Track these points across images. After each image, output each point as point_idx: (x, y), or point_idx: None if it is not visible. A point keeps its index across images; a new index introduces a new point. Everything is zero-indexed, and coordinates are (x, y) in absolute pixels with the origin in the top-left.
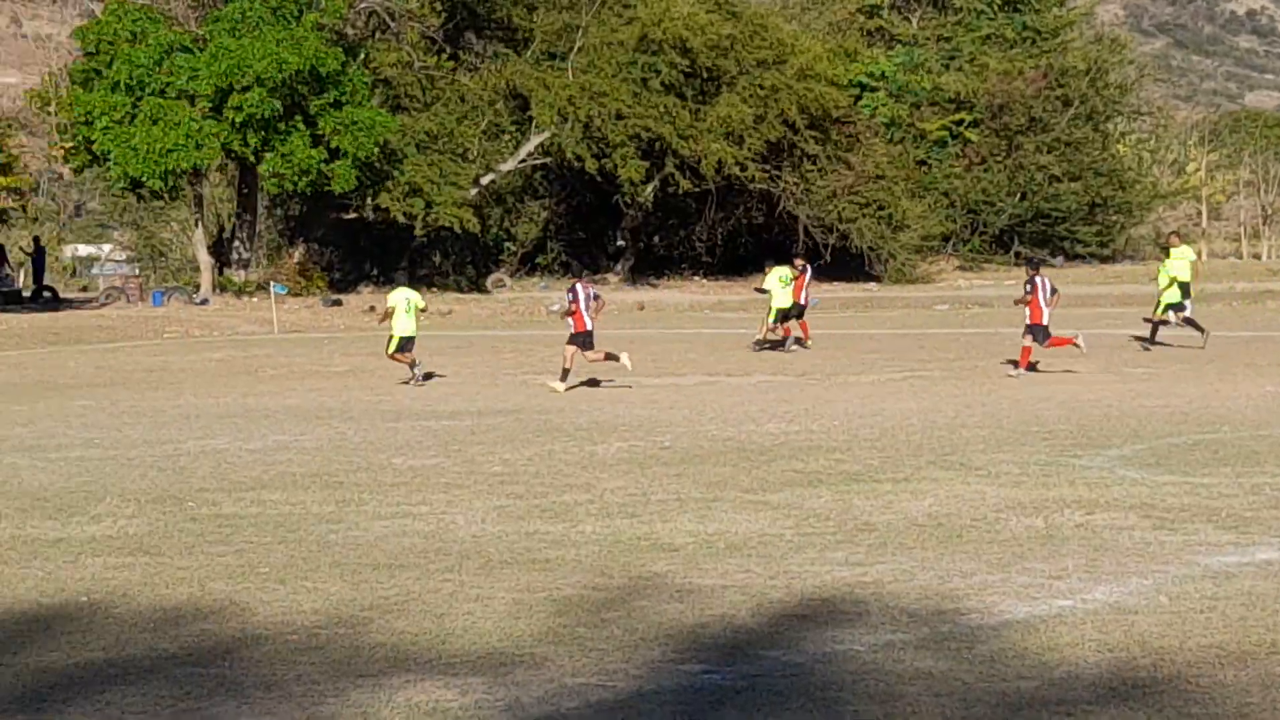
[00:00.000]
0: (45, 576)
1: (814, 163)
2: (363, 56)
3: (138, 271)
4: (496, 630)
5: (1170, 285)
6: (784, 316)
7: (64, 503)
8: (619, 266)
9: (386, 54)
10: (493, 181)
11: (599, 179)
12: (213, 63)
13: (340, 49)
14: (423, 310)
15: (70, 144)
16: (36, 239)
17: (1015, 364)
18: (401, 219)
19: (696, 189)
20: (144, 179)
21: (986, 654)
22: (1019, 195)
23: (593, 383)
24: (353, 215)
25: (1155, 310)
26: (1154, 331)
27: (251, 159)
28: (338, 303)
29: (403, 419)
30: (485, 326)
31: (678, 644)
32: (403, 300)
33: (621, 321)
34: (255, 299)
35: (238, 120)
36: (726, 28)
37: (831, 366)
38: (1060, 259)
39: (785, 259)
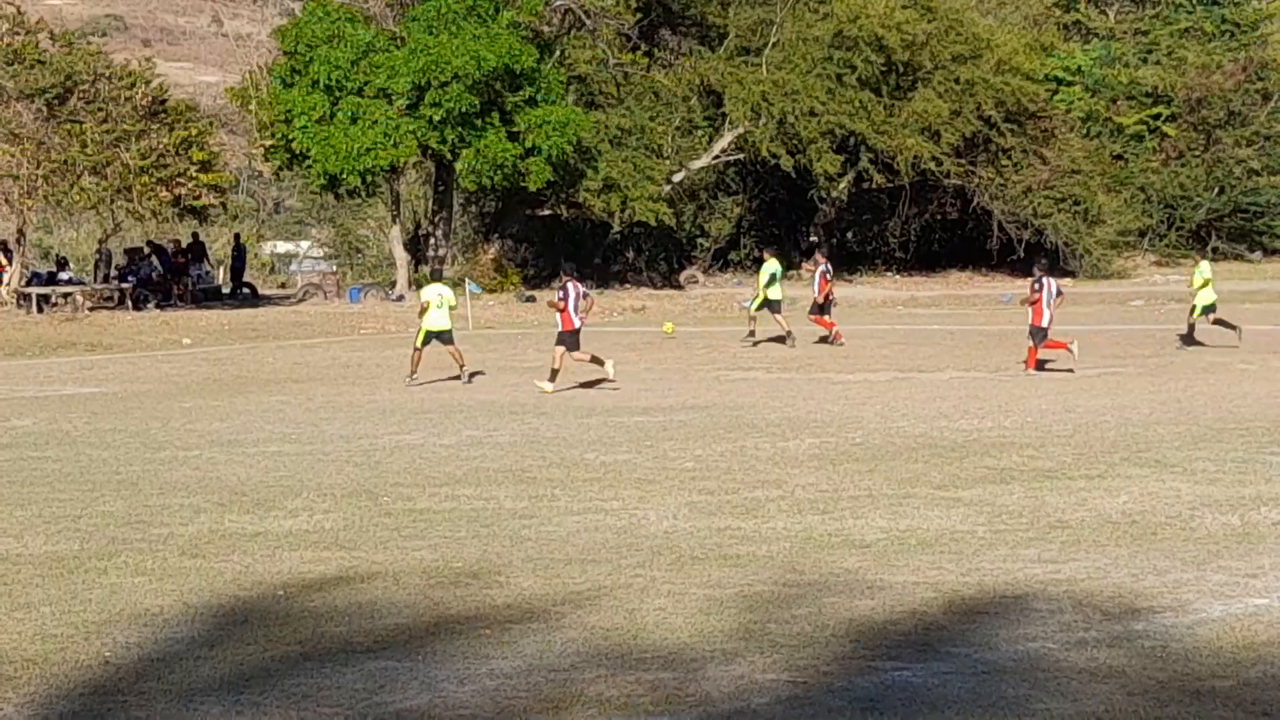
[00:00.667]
0: (243, 570)
1: (1009, 157)
2: (557, 54)
3: (335, 268)
4: (687, 626)
5: None
6: (767, 306)
7: (261, 497)
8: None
9: (581, 51)
10: (685, 178)
11: (792, 175)
12: (411, 59)
13: (534, 46)
14: (453, 308)
15: (270, 142)
16: (236, 236)
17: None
18: (598, 213)
19: (890, 184)
20: (342, 177)
21: (1180, 652)
22: (1217, 190)
23: (587, 385)
24: (547, 212)
25: None
26: None
27: (448, 156)
28: (531, 299)
29: (595, 414)
30: (677, 322)
31: (868, 641)
32: (435, 296)
33: None
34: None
35: (435, 117)
36: (922, 24)
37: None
38: (1259, 254)
39: (980, 256)
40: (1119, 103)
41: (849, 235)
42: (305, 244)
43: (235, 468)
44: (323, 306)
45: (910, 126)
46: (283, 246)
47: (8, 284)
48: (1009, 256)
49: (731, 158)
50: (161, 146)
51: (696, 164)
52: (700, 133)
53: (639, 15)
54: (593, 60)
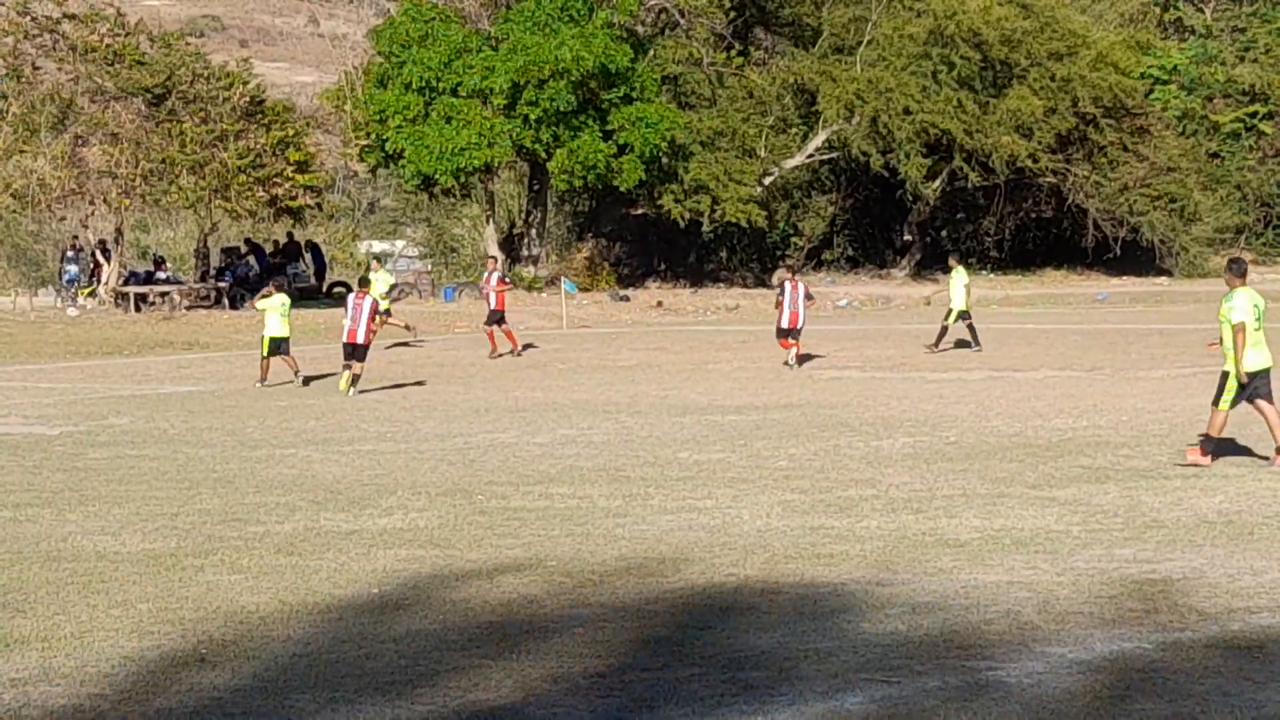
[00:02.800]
0: (338, 568)
1: (1105, 155)
2: (650, 54)
3: (430, 267)
4: (780, 625)
5: None
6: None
7: (356, 495)
8: (905, 261)
9: (675, 51)
10: (779, 177)
11: (885, 173)
12: (510, 59)
13: (629, 46)
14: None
15: (364, 142)
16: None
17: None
18: (682, 221)
19: (985, 183)
20: (436, 177)
21: (1277, 654)
22: None
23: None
24: (640, 211)
25: None
26: None
27: (542, 156)
28: (625, 298)
29: (688, 413)
30: (770, 321)
31: (962, 640)
32: (278, 304)
33: (907, 316)
34: (545, 294)
35: (532, 116)
36: (1020, 21)
37: (1120, 362)
38: None
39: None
40: (1215, 100)
41: (943, 234)
42: (400, 243)
43: (330, 466)
44: (418, 305)
45: (1005, 124)
46: (378, 246)
47: (105, 283)
48: (1104, 255)
49: (825, 157)
50: (259, 146)
51: (789, 163)
52: (794, 131)
53: (732, 14)
54: (686, 60)
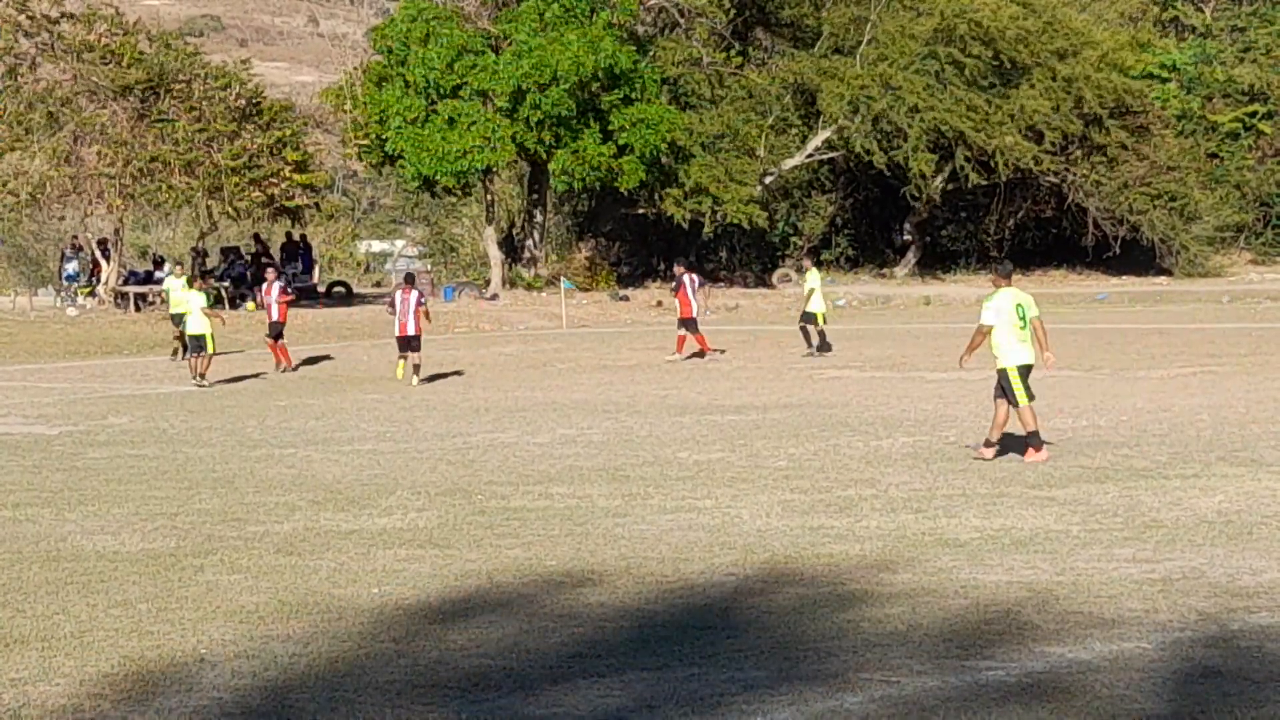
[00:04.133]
0: (337, 568)
1: (1105, 154)
2: (650, 54)
3: (429, 267)
4: (781, 624)
5: None
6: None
7: (355, 495)
8: (905, 260)
9: (674, 52)
10: (778, 177)
11: (886, 172)
12: (514, 62)
13: (633, 48)
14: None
15: (364, 142)
16: (303, 237)
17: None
18: (683, 222)
19: (985, 182)
20: (436, 178)
21: (1276, 653)
22: None
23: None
24: (640, 211)
25: None
26: None
27: (543, 156)
28: (625, 298)
29: (688, 413)
30: (771, 321)
31: (962, 640)
32: (197, 302)
33: (907, 316)
34: (545, 294)
35: (534, 119)
36: (1026, 21)
37: (1119, 361)
38: None
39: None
40: (1214, 100)
41: (943, 233)
42: (400, 243)
43: (330, 466)
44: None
45: (1008, 124)
46: (377, 245)
47: (105, 283)
48: (1104, 254)
49: (824, 156)
50: (255, 147)
51: (789, 163)
52: (794, 131)
53: (732, 14)
54: (685, 60)
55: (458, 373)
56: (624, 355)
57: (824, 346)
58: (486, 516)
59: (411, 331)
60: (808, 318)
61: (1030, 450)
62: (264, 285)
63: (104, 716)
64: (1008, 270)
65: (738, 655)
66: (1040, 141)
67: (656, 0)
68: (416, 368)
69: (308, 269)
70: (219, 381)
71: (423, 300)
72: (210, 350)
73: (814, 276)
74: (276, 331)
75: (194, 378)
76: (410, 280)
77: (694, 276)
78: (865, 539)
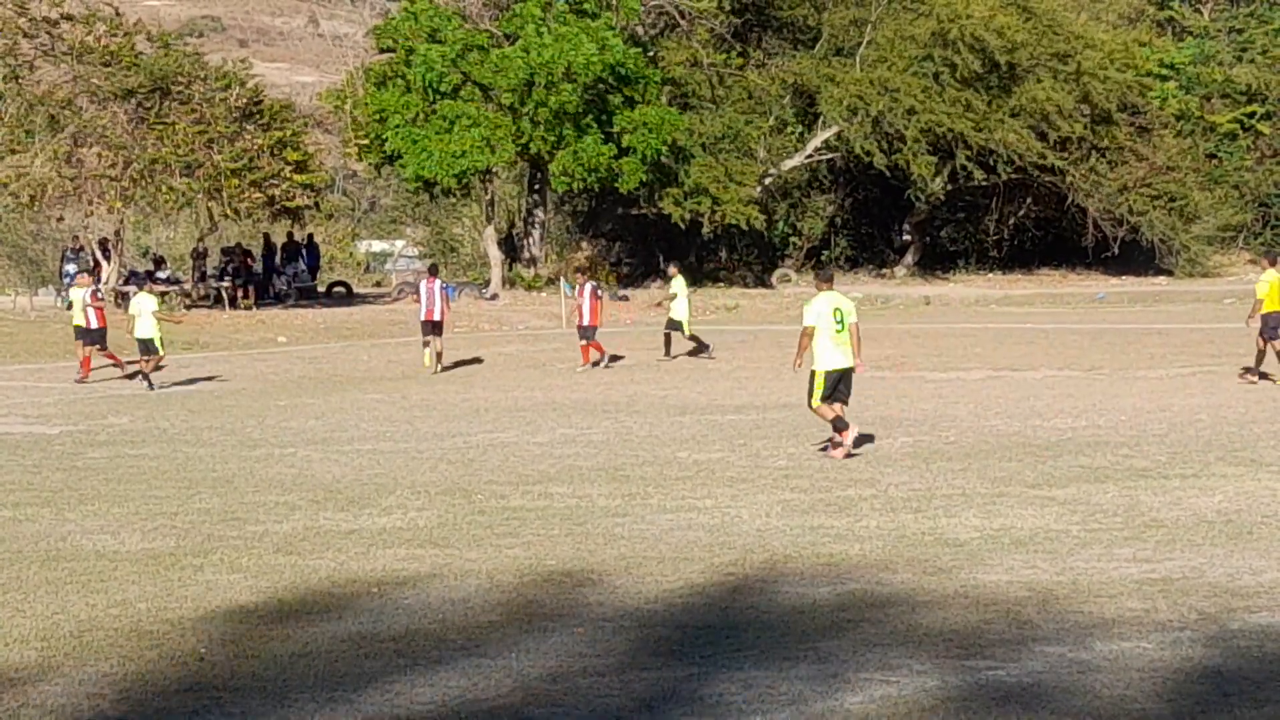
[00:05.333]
0: (337, 568)
1: (1104, 155)
2: (651, 55)
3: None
4: (780, 624)
5: None
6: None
7: (355, 495)
8: (905, 260)
9: (675, 53)
10: (777, 178)
11: (886, 173)
12: (523, 55)
13: (641, 49)
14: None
15: (364, 141)
16: (309, 236)
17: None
18: (682, 224)
19: (985, 183)
20: (436, 179)
21: (1276, 653)
22: None
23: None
24: (640, 211)
25: None
26: None
27: (544, 157)
28: (624, 298)
29: (688, 413)
30: (770, 321)
31: (962, 639)
32: (148, 305)
33: (907, 316)
34: (544, 294)
35: (540, 116)
36: (1023, 30)
37: (1119, 362)
38: None
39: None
40: (1213, 100)
41: (942, 233)
42: (400, 243)
43: (330, 465)
44: (417, 305)
45: (1021, 120)
46: (377, 245)
47: (105, 283)
48: (1103, 254)
49: (824, 157)
50: (255, 148)
51: (788, 164)
52: (793, 132)
53: (733, 16)
54: (686, 62)
55: (478, 359)
56: (623, 355)
57: (700, 349)
58: (486, 516)
59: (437, 316)
60: (673, 325)
61: (837, 435)
62: (88, 292)
63: (104, 716)
64: (828, 274)
65: (738, 655)
66: (1044, 139)
67: (658, 1)
68: (439, 355)
69: (314, 269)
70: (174, 384)
71: (446, 288)
72: (160, 353)
73: (679, 283)
74: (94, 339)
75: (137, 378)
76: (434, 271)
77: (594, 284)
78: (865, 539)
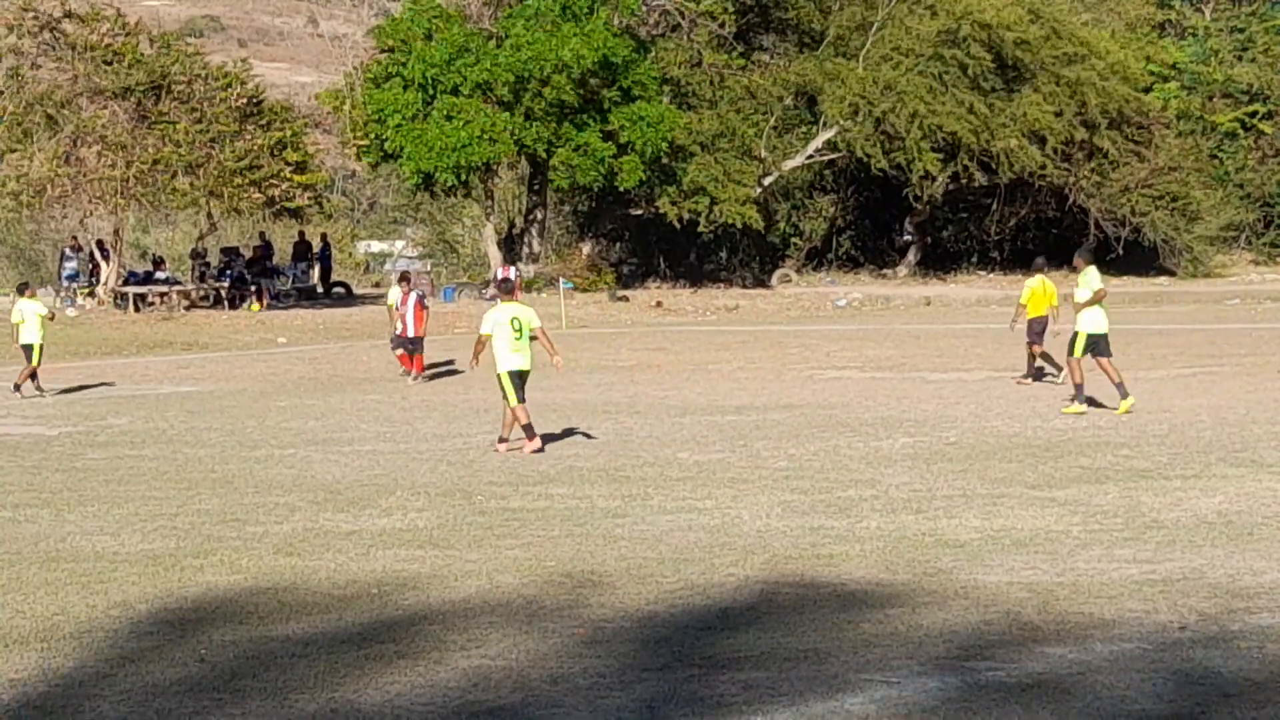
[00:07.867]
0: (337, 568)
1: (1106, 156)
2: (651, 55)
3: (429, 267)
4: (780, 625)
5: None
6: (399, 345)
7: (355, 496)
8: (906, 260)
9: (676, 54)
10: (779, 178)
11: (887, 174)
12: (514, 54)
13: (629, 39)
14: (52, 319)
15: (363, 141)
16: (324, 235)
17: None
18: (679, 224)
19: (987, 183)
20: (436, 174)
21: (1277, 654)
22: None
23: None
24: (640, 211)
25: None
26: None
27: (543, 154)
28: (624, 298)
29: (688, 413)
30: (771, 321)
31: (962, 640)
32: (31, 312)
33: (908, 316)
34: (544, 294)
35: (537, 109)
36: (1032, 29)
37: (1120, 361)
38: None
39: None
40: (1214, 100)
41: (944, 234)
42: (400, 243)
43: (330, 466)
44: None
45: (1013, 127)
46: (377, 246)
47: (104, 283)
48: (1106, 255)
49: (826, 158)
50: (256, 148)
51: (789, 164)
52: (794, 132)
53: (735, 17)
54: (686, 62)
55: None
56: (623, 356)
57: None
58: (486, 517)
59: (413, 333)
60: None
61: (527, 441)
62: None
63: (103, 717)
64: (509, 287)
65: (738, 655)
66: (1043, 146)
67: (659, 2)
68: (419, 363)
69: (326, 270)
70: (63, 391)
71: (422, 297)
72: (35, 362)
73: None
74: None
75: (15, 389)
76: (406, 279)
77: (418, 292)
78: (865, 539)
